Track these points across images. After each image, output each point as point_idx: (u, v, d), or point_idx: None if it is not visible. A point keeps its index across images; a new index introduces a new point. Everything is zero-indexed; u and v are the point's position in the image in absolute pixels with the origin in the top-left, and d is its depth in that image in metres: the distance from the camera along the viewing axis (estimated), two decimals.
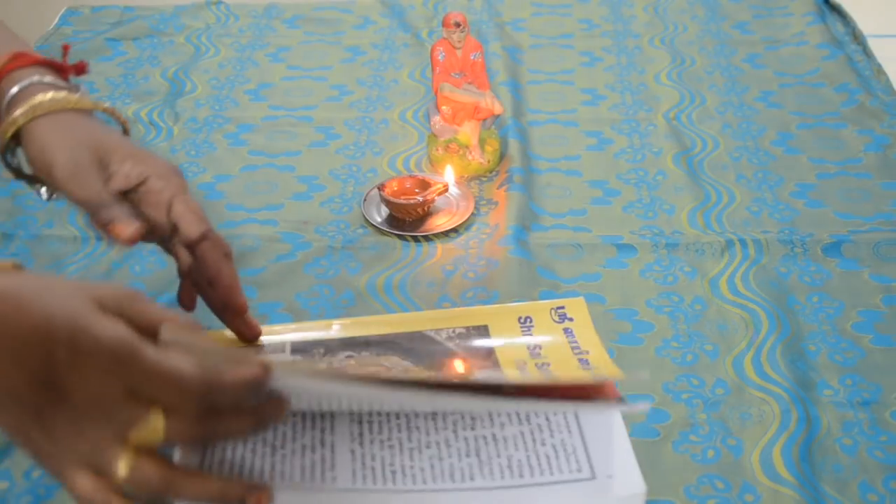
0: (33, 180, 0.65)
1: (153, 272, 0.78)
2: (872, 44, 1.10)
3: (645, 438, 0.63)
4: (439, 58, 0.91)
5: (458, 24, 0.89)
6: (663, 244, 0.80)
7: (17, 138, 0.63)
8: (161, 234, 0.62)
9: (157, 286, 0.77)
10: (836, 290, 0.75)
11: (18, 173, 0.66)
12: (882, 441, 0.62)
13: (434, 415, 0.58)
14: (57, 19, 1.20)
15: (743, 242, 0.79)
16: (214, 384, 0.46)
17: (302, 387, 0.50)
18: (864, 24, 1.16)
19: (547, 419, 0.57)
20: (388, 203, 0.83)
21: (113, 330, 0.46)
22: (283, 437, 0.56)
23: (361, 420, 0.57)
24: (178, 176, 0.62)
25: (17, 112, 0.62)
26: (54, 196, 0.64)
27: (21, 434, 0.48)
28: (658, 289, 0.76)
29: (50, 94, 0.62)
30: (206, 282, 0.61)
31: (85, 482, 0.47)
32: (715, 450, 0.62)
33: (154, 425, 0.46)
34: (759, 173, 0.90)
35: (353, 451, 0.55)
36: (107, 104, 0.66)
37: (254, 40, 1.15)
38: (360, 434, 0.57)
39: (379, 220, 0.84)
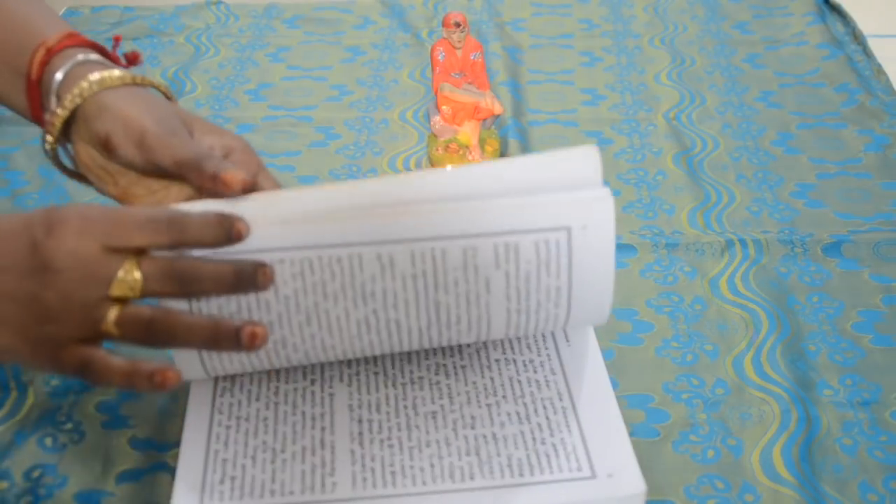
0: (80, 177, 0.63)
1: None
2: (872, 44, 1.10)
3: (645, 438, 0.63)
4: (439, 58, 0.91)
5: (458, 24, 0.89)
6: (663, 244, 0.80)
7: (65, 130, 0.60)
8: None
9: None
10: (836, 290, 0.75)
11: (66, 168, 0.63)
12: (882, 441, 0.62)
13: (434, 413, 0.58)
14: None
15: (743, 242, 0.79)
16: (182, 216, 0.50)
17: (282, 244, 0.52)
18: (864, 24, 1.16)
19: (547, 418, 0.57)
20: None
21: (81, 203, 0.51)
22: (283, 439, 0.56)
23: (361, 419, 0.57)
24: (255, 154, 0.62)
25: (84, 84, 0.59)
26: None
27: (20, 335, 0.50)
28: (658, 289, 0.76)
29: (117, 72, 0.60)
30: None
31: (83, 351, 0.50)
32: (715, 450, 0.62)
33: (131, 273, 0.49)
34: (759, 173, 0.90)
35: (353, 452, 0.55)
36: (164, 84, 0.63)
37: (254, 40, 1.15)
38: (360, 433, 0.57)
39: None
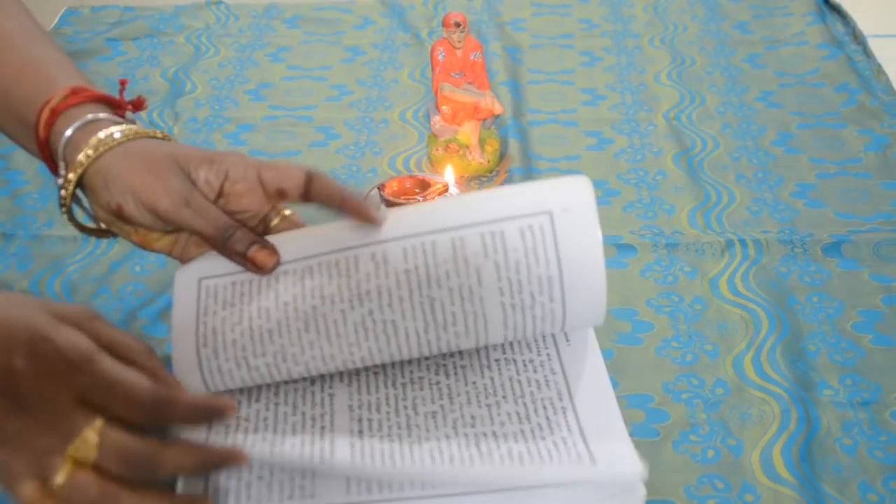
0: (101, 232, 0.63)
1: (153, 272, 0.78)
2: (872, 44, 1.10)
3: (645, 438, 0.63)
4: (439, 58, 0.91)
5: (458, 24, 0.89)
6: (663, 244, 0.80)
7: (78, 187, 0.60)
8: (257, 219, 0.61)
9: (157, 286, 0.77)
10: (836, 290, 0.75)
11: (86, 228, 0.63)
12: (882, 441, 0.62)
13: (434, 413, 0.58)
14: (57, 19, 1.20)
15: (743, 242, 0.79)
16: (165, 398, 0.48)
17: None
18: (864, 24, 1.16)
19: (547, 418, 0.57)
20: (388, 203, 0.83)
21: (72, 336, 0.47)
22: (283, 439, 0.56)
23: (361, 419, 0.57)
24: (250, 157, 0.61)
25: (81, 155, 0.58)
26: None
27: None
28: (658, 289, 0.76)
29: (115, 131, 0.59)
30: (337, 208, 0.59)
31: (29, 490, 0.47)
32: (715, 450, 0.62)
33: (89, 439, 0.47)
34: (759, 173, 0.90)
35: (352, 449, 0.55)
36: (159, 132, 0.63)
37: (254, 40, 1.15)
38: (360, 433, 0.57)
39: None
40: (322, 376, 0.60)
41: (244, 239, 0.57)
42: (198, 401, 0.49)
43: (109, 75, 1.08)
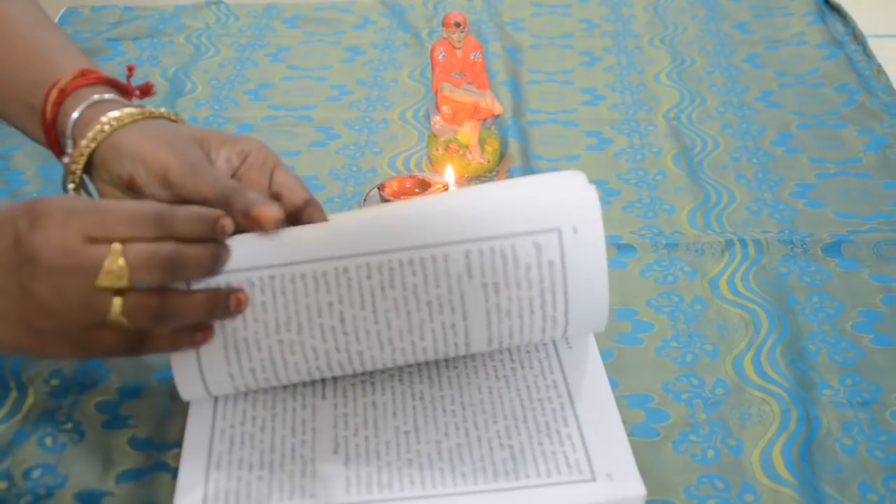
0: None
1: None
2: (872, 44, 1.10)
3: (645, 438, 0.63)
4: (439, 58, 0.91)
5: (458, 24, 0.89)
6: (663, 244, 0.80)
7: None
8: None
9: None
10: (836, 290, 0.75)
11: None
12: (882, 441, 0.62)
13: (429, 416, 0.58)
14: (57, 19, 1.20)
15: (743, 242, 0.79)
16: (167, 210, 0.52)
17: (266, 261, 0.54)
18: (864, 24, 1.16)
19: (545, 419, 0.57)
20: (388, 203, 0.83)
21: (65, 195, 0.53)
22: (281, 445, 0.56)
23: (350, 423, 0.57)
24: (271, 151, 0.62)
25: (93, 131, 0.59)
26: None
27: (20, 328, 0.50)
28: (658, 289, 0.76)
29: (127, 110, 0.60)
30: None
31: (101, 336, 0.51)
32: (715, 450, 0.62)
33: (116, 262, 0.49)
34: (759, 173, 0.90)
35: (346, 458, 0.55)
36: (172, 114, 0.63)
37: (254, 40, 1.15)
38: (355, 437, 0.57)
39: None
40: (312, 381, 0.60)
41: (248, 196, 0.56)
42: (194, 209, 0.52)
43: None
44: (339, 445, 0.56)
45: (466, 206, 0.55)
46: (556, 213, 0.55)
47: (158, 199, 0.58)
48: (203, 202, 0.56)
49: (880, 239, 0.80)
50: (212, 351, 0.56)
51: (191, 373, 0.56)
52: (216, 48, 1.13)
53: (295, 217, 0.59)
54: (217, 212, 0.53)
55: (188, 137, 0.60)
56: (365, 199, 0.86)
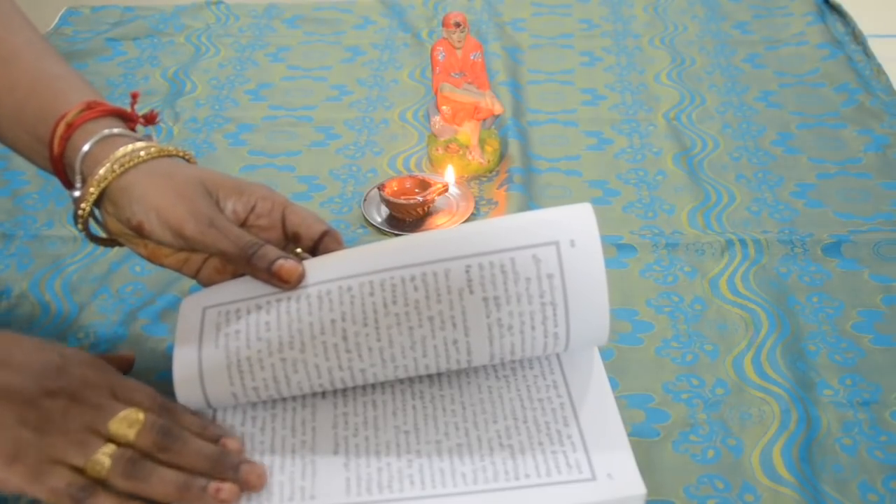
0: (109, 242, 0.64)
1: (153, 272, 0.78)
2: (872, 44, 1.10)
3: (645, 438, 0.63)
4: (439, 58, 0.91)
5: (458, 24, 0.89)
6: (663, 244, 0.80)
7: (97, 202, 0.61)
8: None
9: (157, 286, 0.77)
10: (836, 290, 0.75)
11: (95, 237, 0.63)
12: (882, 441, 0.62)
13: (430, 416, 0.58)
14: (57, 19, 1.20)
15: (743, 242, 0.79)
16: (169, 403, 0.56)
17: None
18: (864, 24, 1.16)
19: (546, 419, 0.57)
20: (388, 203, 0.83)
21: (90, 353, 0.57)
22: (282, 445, 0.56)
23: (352, 424, 0.57)
24: (277, 192, 0.62)
25: (103, 169, 0.59)
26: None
27: (10, 430, 0.51)
28: (658, 289, 0.76)
29: (130, 147, 0.59)
30: None
31: (64, 473, 0.51)
32: (715, 450, 0.62)
33: (134, 416, 0.52)
34: (759, 173, 0.90)
35: (346, 459, 0.55)
36: (182, 151, 0.63)
37: (254, 40, 1.15)
38: (355, 436, 0.57)
39: (379, 220, 0.84)
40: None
41: (269, 254, 0.57)
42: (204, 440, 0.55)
43: (109, 75, 1.08)
44: (339, 445, 0.56)
45: (467, 227, 0.57)
46: (554, 226, 0.56)
47: (167, 244, 0.59)
48: (220, 256, 0.58)
49: (880, 239, 0.80)
50: (214, 371, 0.56)
51: (192, 388, 0.56)
52: (216, 48, 1.13)
53: (314, 249, 0.60)
54: (220, 427, 0.57)
55: (197, 184, 0.59)
56: (365, 199, 0.86)
